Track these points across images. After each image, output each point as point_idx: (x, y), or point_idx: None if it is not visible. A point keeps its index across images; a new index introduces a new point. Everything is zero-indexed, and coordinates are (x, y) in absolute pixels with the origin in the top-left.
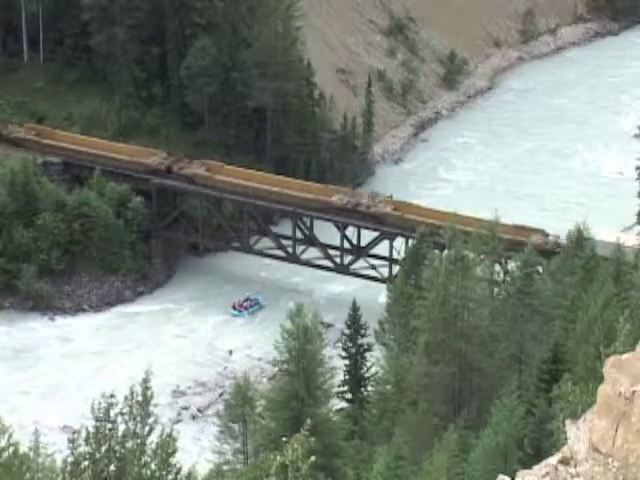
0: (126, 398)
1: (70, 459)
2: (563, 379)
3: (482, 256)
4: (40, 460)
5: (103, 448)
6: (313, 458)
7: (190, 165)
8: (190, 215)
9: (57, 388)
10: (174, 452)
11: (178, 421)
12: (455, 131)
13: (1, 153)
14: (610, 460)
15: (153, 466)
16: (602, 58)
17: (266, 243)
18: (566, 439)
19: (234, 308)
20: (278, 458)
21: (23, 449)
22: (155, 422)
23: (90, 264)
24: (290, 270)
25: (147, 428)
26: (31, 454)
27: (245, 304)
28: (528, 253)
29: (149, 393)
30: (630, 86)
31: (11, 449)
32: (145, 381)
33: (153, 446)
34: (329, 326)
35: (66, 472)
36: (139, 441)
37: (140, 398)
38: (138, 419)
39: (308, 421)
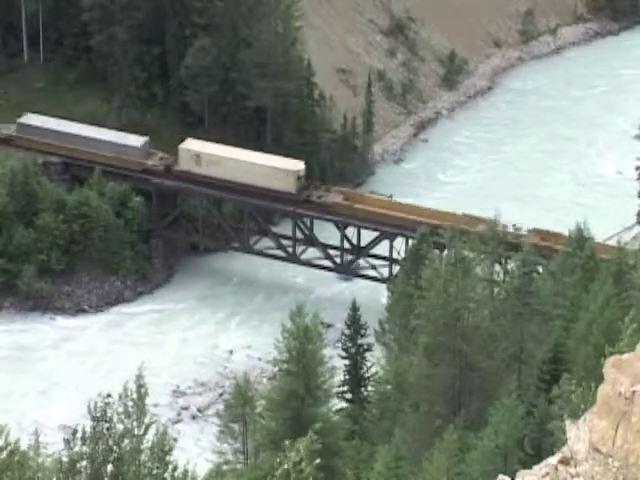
0: (120, 396)
1: (65, 459)
2: (563, 379)
3: (482, 256)
4: (40, 460)
5: (100, 447)
6: (318, 460)
7: (527, 235)
8: (190, 215)
9: (57, 388)
10: (170, 450)
11: (178, 421)
12: (455, 131)
13: (1, 153)
14: (610, 460)
15: (150, 464)
16: (602, 58)
17: (266, 243)
18: (566, 439)
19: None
20: (285, 466)
21: (22, 449)
22: (153, 421)
23: (90, 264)
24: (290, 270)
25: (143, 426)
26: (31, 454)
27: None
28: (526, 252)
29: (143, 391)
30: (630, 86)
31: (9, 448)
32: (139, 378)
33: (149, 444)
34: (329, 326)
35: (61, 472)
36: (135, 440)
37: (135, 396)
38: (134, 417)
39: (316, 426)
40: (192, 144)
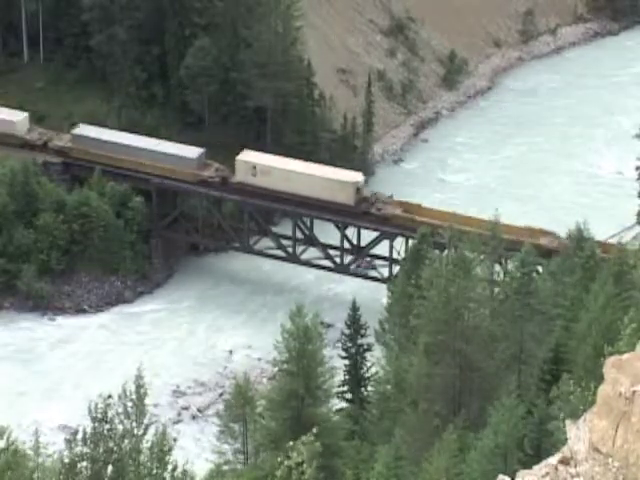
0: (120, 397)
1: (66, 460)
2: (562, 379)
3: (482, 256)
4: (40, 460)
5: (101, 448)
6: (315, 461)
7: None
8: (190, 215)
9: (57, 388)
10: (170, 450)
11: (178, 421)
12: (455, 131)
13: (1, 153)
14: (610, 460)
15: (149, 464)
16: (602, 58)
17: (266, 243)
18: (566, 439)
19: None
20: (285, 462)
21: (22, 448)
22: (153, 422)
23: (90, 264)
24: (290, 270)
25: (143, 426)
26: (31, 454)
27: None
28: (526, 252)
29: (142, 391)
30: (630, 86)
31: (10, 449)
32: (138, 378)
33: (149, 445)
34: (329, 326)
35: (62, 472)
36: (135, 440)
37: (134, 396)
38: (133, 417)
39: (315, 429)
40: (249, 155)
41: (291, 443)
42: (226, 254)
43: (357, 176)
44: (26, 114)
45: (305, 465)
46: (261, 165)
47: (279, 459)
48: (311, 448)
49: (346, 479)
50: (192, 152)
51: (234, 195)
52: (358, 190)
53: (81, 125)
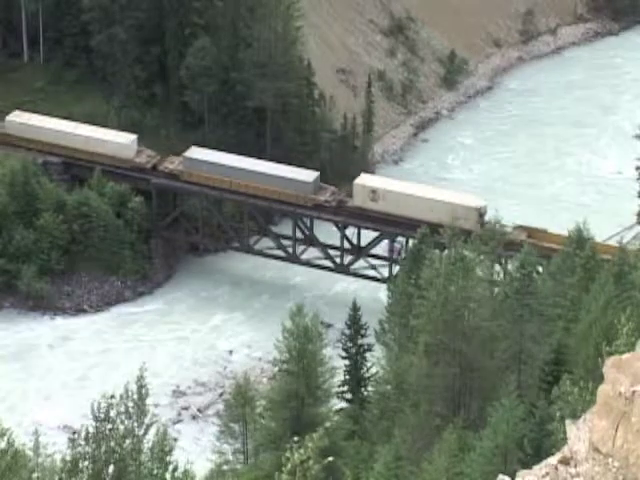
0: (122, 397)
1: (68, 458)
2: (562, 379)
3: (482, 256)
4: (40, 460)
5: (103, 448)
6: (331, 458)
7: None
8: (190, 215)
9: (57, 388)
10: (171, 450)
11: (178, 421)
12: (455, 131)
13: (1, 153)
14: (610, 460)
15: (150, 464)
16: (602, 58)
17: (266, 243)
18: (566, 439)
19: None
20: (295, 457)
21: (22, 449)
22: (154, 422)
23: (90, 264)
24: (290, 270)
25: (144, 426)
26: (31, 454)
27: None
28: (526, 253)
29: (144, 391)
30: (630, 86)
31: (11, 450)
32: (140, 379)
33: (150, 445)
34: (329, 326)
35: (64, 472)
36: (136, 440)
37: (135, 396)
38: (134, 417)
39: (326, 424)
40: (367, 179)
41: (295, 438)
42: (226, 254)
43: (479, 201)
44: (135, 136)
45: (311, 462)
46: (382, 190)
47: (285, 456)
48: (319, 443)
49: (346, 479)
50: (308, 176)
51: (354, 220)
52: (481, 215)
53: (193, 148)
